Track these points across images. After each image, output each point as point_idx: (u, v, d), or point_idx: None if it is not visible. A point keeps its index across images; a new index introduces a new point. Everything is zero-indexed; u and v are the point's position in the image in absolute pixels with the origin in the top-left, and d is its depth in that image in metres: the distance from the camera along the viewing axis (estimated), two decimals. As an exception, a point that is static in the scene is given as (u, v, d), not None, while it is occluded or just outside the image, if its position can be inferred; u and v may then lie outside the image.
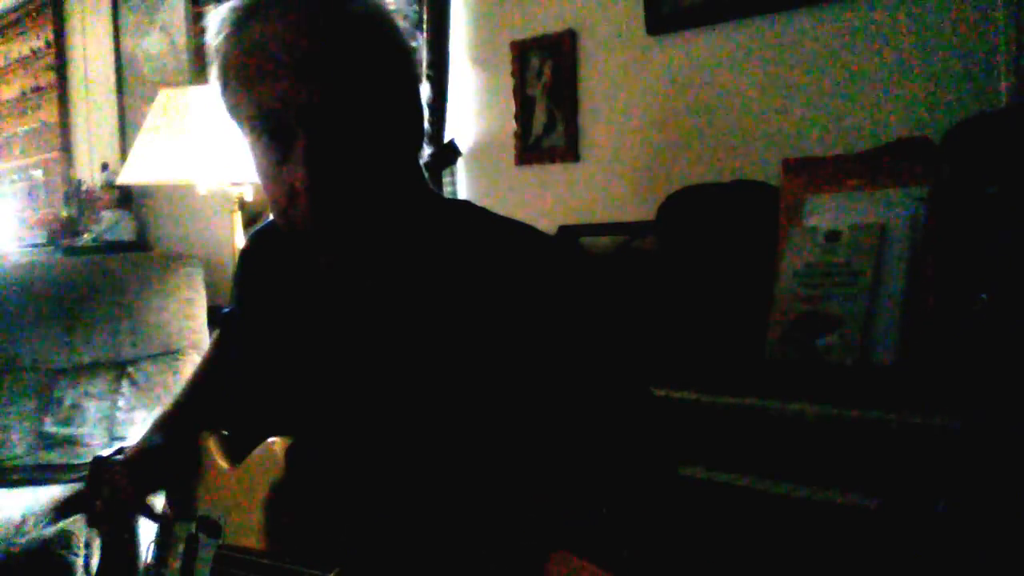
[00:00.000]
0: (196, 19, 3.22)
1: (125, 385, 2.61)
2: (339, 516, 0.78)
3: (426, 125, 0.86)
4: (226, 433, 1.04)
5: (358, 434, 0.83)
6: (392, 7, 0.82)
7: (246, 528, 0.89)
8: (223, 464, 1.00)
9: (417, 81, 0.84)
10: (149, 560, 1.04)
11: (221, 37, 0.79)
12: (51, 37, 4.05)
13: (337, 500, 0.81)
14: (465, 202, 0.96)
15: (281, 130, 0.75)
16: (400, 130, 0.81)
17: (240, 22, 0.78)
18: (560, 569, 0.49)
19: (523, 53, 2.19)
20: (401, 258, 0.84)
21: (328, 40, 0.75)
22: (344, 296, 0.88)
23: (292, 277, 0.95)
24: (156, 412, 2.54)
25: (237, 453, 0.97)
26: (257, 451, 0.92)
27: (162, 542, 1.04)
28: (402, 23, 0.82)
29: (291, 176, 0.76)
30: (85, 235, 3.53)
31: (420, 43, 0.86)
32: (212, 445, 1.03)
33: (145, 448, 1.05)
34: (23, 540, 2.03)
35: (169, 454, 1.04)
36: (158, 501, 1.07)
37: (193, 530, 0.98)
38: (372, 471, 0.80)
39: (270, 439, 0.89)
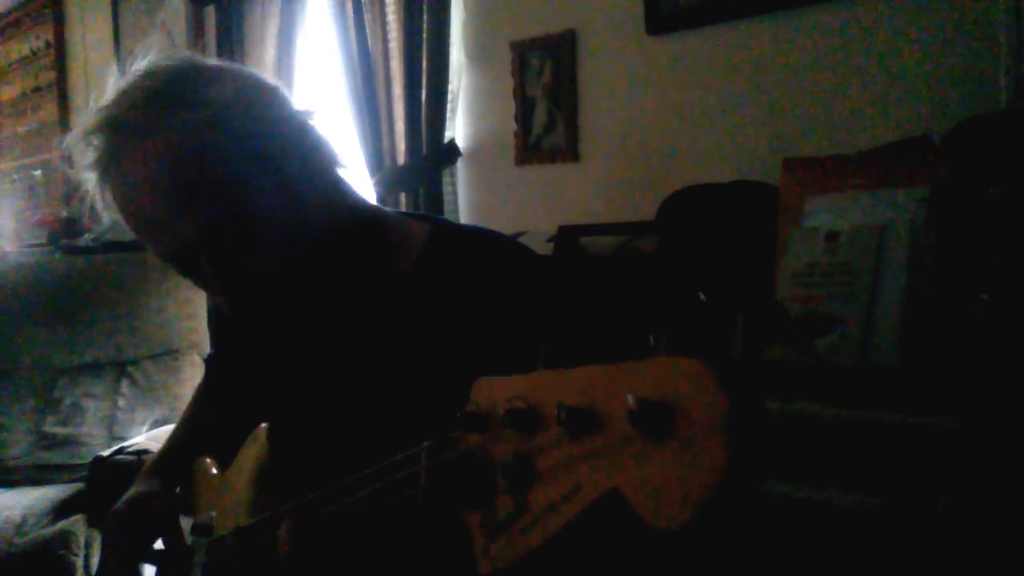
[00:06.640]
0: (196, 19, 3.22)
1: (125, 385, 2.61)
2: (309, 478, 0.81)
3: (336, 153, 0.85)
4: (217, 451, 1.05)
5: (331, 417, 0.88)
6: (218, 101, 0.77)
7: (234, 514, 0.89)
8: (214, 472, 1.01)
9: (281, 141, 0.80)
10: None
11: (103, 187, 0.82)
12: (51, 37, 4.05)
13: (310, 467, 0.85)
14: (423, 215, 0.98)
15: (187, 264, 0.81)
16: (287, 195, 0.80)
17: (103, 178, 0.80)
18: (479, 387, 0.52)
19: (523, 53, 2.19)
20: (345, 278, 0.88)
21: (176, 182, 0.75)
22: (307, 318, 0.93)
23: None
24: (156, 412, 2.57)
25: (226, 463, 0.97)
26: (244, 447, 0.93)
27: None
28: (242, 98, 0.79)
29: (214, 294, 0.84)
30: (85, 235, 3.53)
31: (271, 98, 0.83)
32: (204, 462, 1.04)
33: (139, 496, 1.05)
34: (23, 540, 2.03)
35: (164, 496, 1.05)
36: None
37: (190, 540, 0.98)
38: (340, 444, 0.84)
39: (256, 429, 0.91)
